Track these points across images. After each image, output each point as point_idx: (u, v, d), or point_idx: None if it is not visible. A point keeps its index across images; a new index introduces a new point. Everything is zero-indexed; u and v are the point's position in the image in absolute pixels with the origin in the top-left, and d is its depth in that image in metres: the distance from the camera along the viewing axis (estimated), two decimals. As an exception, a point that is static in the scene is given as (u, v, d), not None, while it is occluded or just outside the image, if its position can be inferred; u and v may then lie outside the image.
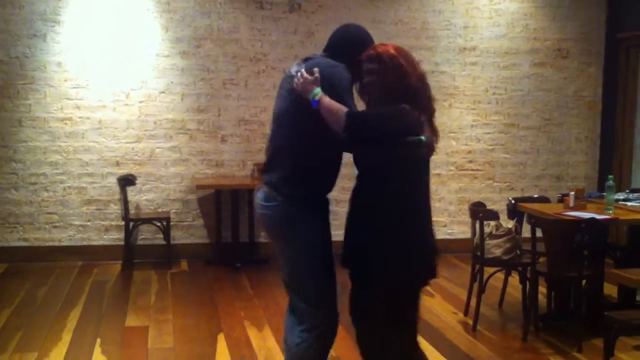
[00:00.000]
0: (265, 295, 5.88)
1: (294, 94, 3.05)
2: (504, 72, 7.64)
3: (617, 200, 5.17)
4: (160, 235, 6.90)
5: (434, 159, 8.15)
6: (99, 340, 4.76)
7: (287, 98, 3.13)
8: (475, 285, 5.13)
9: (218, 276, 6.55)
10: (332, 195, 3.28)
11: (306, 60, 3.15)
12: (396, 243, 2.96)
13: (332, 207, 3.29)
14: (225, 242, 7.03)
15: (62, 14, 6.81)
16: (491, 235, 5.02)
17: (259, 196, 3.23)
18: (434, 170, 7.57)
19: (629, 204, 5.19)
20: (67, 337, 4.81)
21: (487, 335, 4.95)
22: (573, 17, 7.68)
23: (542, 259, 4.90)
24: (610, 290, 5.30)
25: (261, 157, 5.87)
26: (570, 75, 7.75)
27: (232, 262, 6.80)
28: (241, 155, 7.24)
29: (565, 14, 7.67)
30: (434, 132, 3.05)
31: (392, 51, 3.00)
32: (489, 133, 7.67)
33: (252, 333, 4.94)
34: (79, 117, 6.93)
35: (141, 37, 6.98)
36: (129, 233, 6.79)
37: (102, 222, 7.05)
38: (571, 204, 5.07)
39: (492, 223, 5.07)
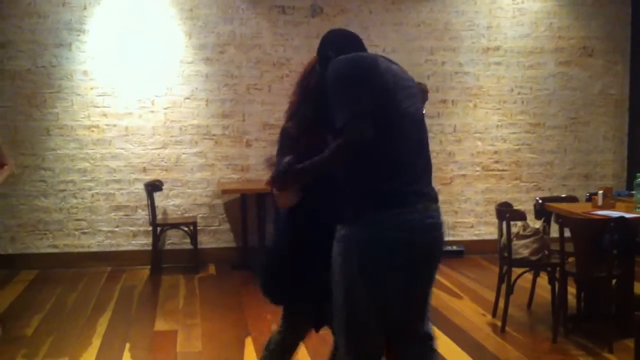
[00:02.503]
0: (292, 299, 5.88)
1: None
2: (528, 71, 7.58)
3: (647, 199, 5.09)
4: (188, 240, 6.95)
5: (460, 159, 8.06)
6: (128, 344, 4.80)
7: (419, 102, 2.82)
8: (503, 287, 5.09)
9: (245, 280, 6.57)
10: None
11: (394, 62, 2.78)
12: None
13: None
14: (251, 245, 7.06)
15: (87, 23, 6.90)
16: (518, 236, 4.98)
17: (432, 216, 2.66)
18: (460, 171, 7.54)
19: (658, 202, 5.11)
20: (97, 342, 4.86)
21: (516, 336, 4.91)
22: (597, 15, 7.60)
23: (570, 259, 4.84)
24: (640, 289, 5.24)
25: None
26: (596, 74, 7.68)
27: (258, 267, 6.81)
28: (266, 160, 7.26)
29: (589, 12, 7.60)
30: None
31: None
32: (514, 133, 7.61)
33: (279, 336, 4.93)
34: (106, 125, 7.02)
35: (165, 44, 7.05)
36: (157, 238, 6.85)
37: (130, 228, 7.13)
38: (600, 202, 5.01)
39: (520, 223, 5.03)
